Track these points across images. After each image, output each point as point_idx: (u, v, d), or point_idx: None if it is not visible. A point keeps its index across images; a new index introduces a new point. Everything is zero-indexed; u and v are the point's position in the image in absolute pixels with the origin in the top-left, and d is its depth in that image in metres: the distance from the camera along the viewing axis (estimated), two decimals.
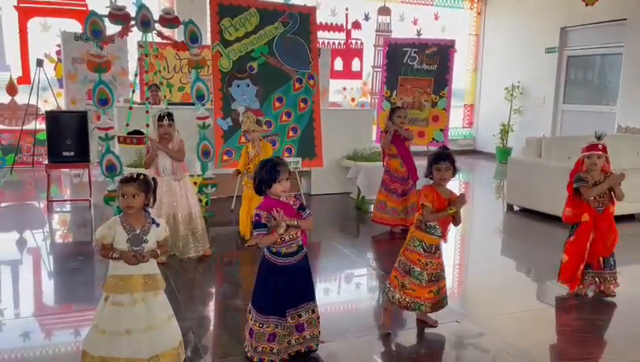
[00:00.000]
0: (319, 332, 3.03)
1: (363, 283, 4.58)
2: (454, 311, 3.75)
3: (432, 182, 3.30)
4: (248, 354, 2.94)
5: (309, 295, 2.99)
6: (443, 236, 3.28)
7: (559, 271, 4.09)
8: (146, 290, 2.66)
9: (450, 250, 5.59)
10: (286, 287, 2.87)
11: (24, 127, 8.89)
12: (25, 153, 9.17)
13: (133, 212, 2.64)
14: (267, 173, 2.80)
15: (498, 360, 3.13)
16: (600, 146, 3.88)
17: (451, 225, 3.33)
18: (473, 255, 5.51)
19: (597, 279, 4.03)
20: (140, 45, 5.85)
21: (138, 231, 2.62)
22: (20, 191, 7.77)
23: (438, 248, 3.28)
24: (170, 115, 4.48)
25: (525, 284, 4.58)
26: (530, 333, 3.47)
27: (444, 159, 3.21)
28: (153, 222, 2.68)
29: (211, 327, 3.61)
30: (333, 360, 3.06)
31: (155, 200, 2.70)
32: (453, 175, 3.26)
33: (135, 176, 2.63)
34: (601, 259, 4.00)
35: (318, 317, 3.02)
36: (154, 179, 2.70)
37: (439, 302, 3.34)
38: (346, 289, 4.46)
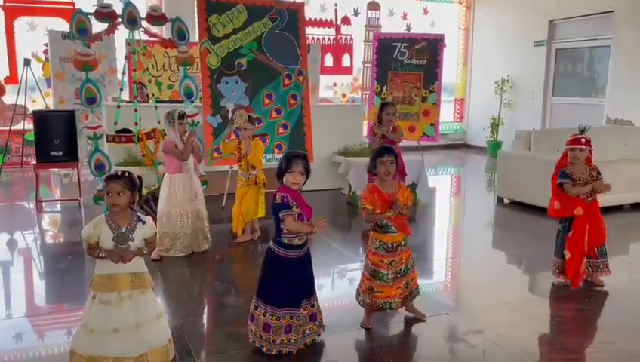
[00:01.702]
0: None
1: (355, 277, 4.57)
2: (444, 304, 3.76)
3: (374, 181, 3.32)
4: (264, 349, 2.94)
5: (314, 285, 3.09)
6: (404, 231, 3.24)
7: (563, 268, 4.02)
8: (133, 289, 2.65)
9: (441, 243, 5.62)
10: (297, 279, 2.95)
11: (12, 128, 8.82)
12: (14, 153, 9.11)
13: (118, 210, 2.62)
14: (282, 163, 2.92)
15: (489, 352, 3.14)
16: (583, 140, 3.90)
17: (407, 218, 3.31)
18: (464, 248, 5.53)
19: (589, 268, 4.05)
20: (128, 43, 5.81)
21: (124, 229, 2.61)
22: (9, 191, 7.72)
23: (400, 244, 3.25)
24: (186, 115, 4.78)
25: (516, 276, 4.60)
26: (521, 324, 3.48)
27: (388, 153, 3.22)
28: (139, 219, 2.67)
29: (204, 324, 3.62)
30: (324, 354, 3.07)
31: (140, 197, 2.69)
32: (396, 169, 3.25)
33: (120, 173, 2.62)
34: (596, 248, 4.02)
35: None
36: (139, 177, 2.68)
37: (409, 294, 3.34)
38: (339, 283, 4.46)
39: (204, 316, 3.76)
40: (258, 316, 2.95)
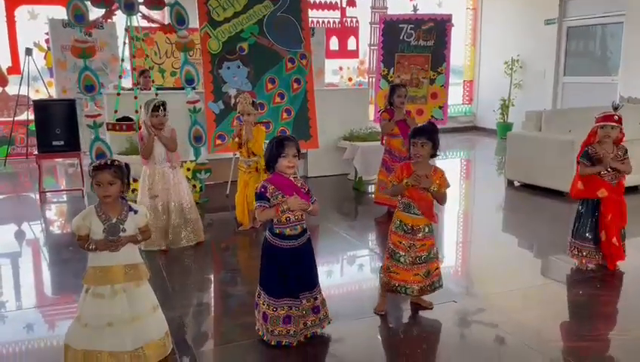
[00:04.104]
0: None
1: (362, 265, 4.47)
2: (453, 291, 3.64)
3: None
4: (265, 338, 2.87)
5: (317, 277, 2.97)
6: (428, 216, 3.14)
7: (589, 251, 3.91)
8: (127, 281, 2.56)
9: (450, 228, 5.49)
10: (293, 270, 2.83)
11: (17, 118, 8.76)
12: (18, 144, 9.06)
13: (110, 201, 2.52)
14: (274, 148, 2.78)
15: (499, 340, 3.03)
16: (615, 117, 3.76)
17: (435, 205, 3.20)
18: (475, 232, 5.40)
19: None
20: (126, 29, 5.69)
21: (114, 220, 2.51)
22: (14, 182, 7.69)
23: (421, 229, 3.15)
24: (164, 105, 4.37)
25: (528, 260, 4.46)
26: (533, 311, 3.37)
27: (420, 134, 3.11)
28: (130, 209, 2.57)
29: (205, 315, 3.51)
30: (334, 343, 2.98)
31: (129, 186, 2.58)
32: (433, 153, 3.15)
33: (110, 162, 2.51)
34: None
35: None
36: (126, 164, 2.58)
37: (429, 285, 3.23)
38: (345, 271, 4.35)
39: (206, 306, 3.66)
40: (260, 304, 2.89)
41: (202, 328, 3.27)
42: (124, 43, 5.79)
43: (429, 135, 3.11)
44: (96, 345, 2.52)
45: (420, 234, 3.14)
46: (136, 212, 2.58)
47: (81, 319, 2.56)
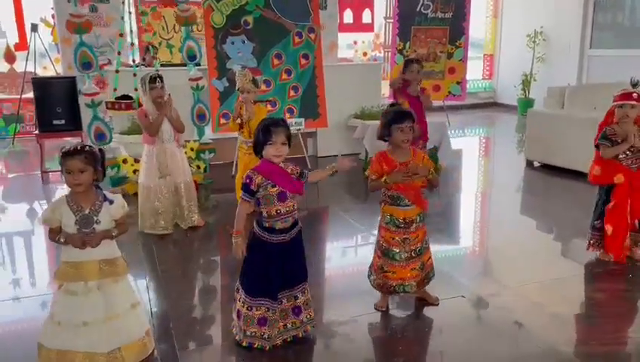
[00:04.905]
0: (314, 313, 2.79)
1: (365, 255, 4.23)
2: (462, 284, 3.40)
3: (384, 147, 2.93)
4: (237, 338, 2.68)
5: (303, 274, 2.74)
6: (419, 204, 2.87)
7: (598, 241, 3.67)
8: (102, 278, 2.37)
9: (462, 212, 5.23)
10: (279, 268, 2.60)
11: (24, 96, 8.62)
12: (27, 122, 8.94)
13: (82, 190, 2.31)
14: (260, 134, 2.54)
15: (507, 341, 2.79)
16: (635, 95, 3.42)
17: (422, 191, 2.93)
18: (489, 216, 5.12)
19: (629, 242, 3.64)
20: (122, 2, 5.44)
21: (87, 212, 2.30)
22: (21, 161, 7.57)
23: (414, 220, 2.89)
24: (161, 77, 4.21)
25: (546, 249, 4.17)
26: (550, 307, 3.10)
27: (407, 118, 2.81)
28: (105, 198, 2.35)
29: (195, 310, 3.31)
30: (331, 341, 2.78)
31: (104, 173, 2.37)
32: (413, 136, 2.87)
33: (79, 147, 2.29)
34: (636, 221, 3.62)
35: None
36: (101, 150, 2.35)
37: (425, 277, 3.00)
38: (348, 261, 4.13)
39: (197, 299, 3.45)
40: (237, 300, 2.69)
41: (192, 323, 3.05)
42: (122, 18, 5.56)
43: (414, 118, 2.85)
44: (70, 344, 2.34)
45: (414, 226, 2.90)
46: (112, 202, 2.36)
47: (54, 317, 2.38)
